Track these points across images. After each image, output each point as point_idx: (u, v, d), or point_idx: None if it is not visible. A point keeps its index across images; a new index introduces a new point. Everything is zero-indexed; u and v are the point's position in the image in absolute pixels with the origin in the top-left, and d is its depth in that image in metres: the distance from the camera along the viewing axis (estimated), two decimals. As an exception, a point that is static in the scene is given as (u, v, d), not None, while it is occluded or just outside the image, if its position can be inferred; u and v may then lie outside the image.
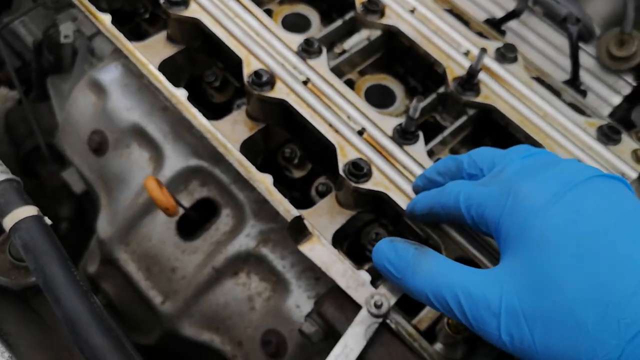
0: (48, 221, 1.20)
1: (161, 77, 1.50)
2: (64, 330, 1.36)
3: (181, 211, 1.56)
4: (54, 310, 1.25)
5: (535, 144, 1.42)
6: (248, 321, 1.56)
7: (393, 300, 1.31)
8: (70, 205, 2.50)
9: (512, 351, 0.95)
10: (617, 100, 1.76)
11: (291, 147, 1.59)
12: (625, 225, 0.93)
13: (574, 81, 1.73)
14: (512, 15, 1.79)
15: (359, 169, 1.32)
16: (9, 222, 1.15)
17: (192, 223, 1.66)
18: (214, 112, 1.69)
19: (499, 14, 1.85)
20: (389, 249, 1.13)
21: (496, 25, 1.80)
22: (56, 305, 1.09)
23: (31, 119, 2.42)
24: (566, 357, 0.89)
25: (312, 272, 1.52)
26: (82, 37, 2.38)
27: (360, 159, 1.34)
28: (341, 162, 1.35)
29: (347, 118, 1.41)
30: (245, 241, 1.58)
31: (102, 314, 1.09)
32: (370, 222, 1.50)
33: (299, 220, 1.31)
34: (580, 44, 1.77)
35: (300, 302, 1.51)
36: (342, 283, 1.28)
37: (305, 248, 1.33)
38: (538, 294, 0.92)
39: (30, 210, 1.17)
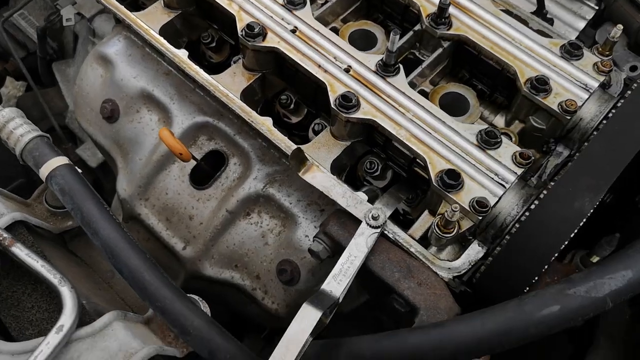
0: (77, 169, 1.36)
1: (163, 40, 1.65)
2: (100, 266, 1.53)
3: (192, 160, 1.70)
4: (91, 250, 1.42)
5: (506, 67, 1.56)
6: (263, 255, 1.72)
7: (388, 213, 1.47)
8: (87, 179, 2.65)
9: None
10: (581, 24, 1.89)
11: (287, 94, 1.73)
12: None
13: (540, 10, 1.86)
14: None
15: (348, 101, 1.47)
16: (44, 171, 1.30)
17: (204, 173, 1.81)
18: (214, 71, 1.83)
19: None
20: None
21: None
22: (95, 237, 1.24)
23: (43, 103, 2.56)
24: None
25: (317, 205, 1.67)
26: (82, 22, 2.52)
27: (349, 92, 1.49)
28: (332, 98, 1.50)
29: (333, 59, 1.55)
30: (253, 184, 1.73)
31: (134, 241, 1.25)
32: (364, 155, 1.65)
33: (299, 151, 1.46)
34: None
35: (308, 232, 1.66)
36: (342, 203, 1.44)
37: (307, 176, 1.48)
38: None
39: (62, 160, 1.33)
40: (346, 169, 1.64)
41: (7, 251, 1.20)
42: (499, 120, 1.65)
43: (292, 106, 1.73)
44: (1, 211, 1.32)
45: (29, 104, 2.72)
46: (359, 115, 1.48)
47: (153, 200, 1.85)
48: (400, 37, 1.58)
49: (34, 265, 1.18)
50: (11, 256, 1.21)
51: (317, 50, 1.56)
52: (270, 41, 1.58)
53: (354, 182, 1.65)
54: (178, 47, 1.73)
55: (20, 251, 1.20)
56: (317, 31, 1.59)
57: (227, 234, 1.75)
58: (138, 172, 1.87)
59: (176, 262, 1.84)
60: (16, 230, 1.32)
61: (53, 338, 1.12)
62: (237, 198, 1.73)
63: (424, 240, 1.44)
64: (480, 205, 1.35)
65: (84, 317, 1.19)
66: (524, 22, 1.71)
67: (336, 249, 1.46)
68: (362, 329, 1.41)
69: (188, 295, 1.29)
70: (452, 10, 1.61)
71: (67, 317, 1.12)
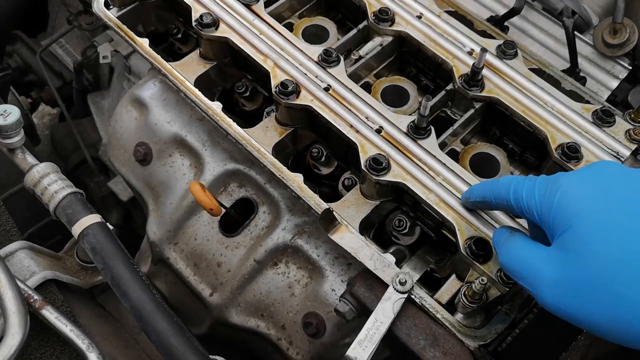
0: (109, 226, 1.38)
1: (197, 92, 1.68)
2: (128, 321, 1.55)
3: (223, 211, 1.72)
4: (119, 304, 1.44)
5: (537, 130, 1.56)
6: (289, 306, 1.73)
7: (416, 277, 1.48)
8: (118, 213, 2.69)
9: (559, 315, 1.08)
10: (614, 83, 1.88)
11: (318, 147, 1.74)
12: None
13: (573, 69, 1.85)
14: (513, 12, 1.91)
15: (379, 164, 1.48)
16: (77, 229, 1.33)
17: (233, 221, 1.83)
18: (247, 118, 1.86)
19: (501, 10, 1.97)
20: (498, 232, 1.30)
21: (499, 22, 1.93)
22: (124, 298, 1.26)
23: (77, 135, 2.60)
24: (605, 324, 1.01)
25: (344, 259, 1.68)
26: (118, 56, 2.56)
27: (379, 154, 1.50)
28: (362, 159, 1.51)
29: (365, 119, 1.57)
30: (282, 234, 1.75)
31: (163, 304, 1.27)
32: (393, 210, 1.66)
33: (328, 212, 1.47)
34: (578, 34, 1.89)
35: (335, 286, 1.67)
36: (370, 265, 1.45)
37: (336, 236, 1.49)
38: (577, 268, 1.04)
39: (95, 218, 1.35)
40: (374, 226, 1.64)
41: (38, 314, 1.22)
42: (529, 182, 1.65)
43: (323, 159, 1.73)
44: (32, 269, 1.35)
45: (63, 134, 2.76)
46: (388, 177, 1.49)
47: (182, 245, 1.88)
48: (432, 95, 1.59)
49: (63, 330, 1.20)
50: (41, 319, 1.23)
51: (349, 109, 1.58)
52: (304, 99, 1.59)
53: (382, 236, 1.66)
54: (212, 96, 1.76)
55: (50, 314, 1.22)
56: (350, 90, 1.61)
57: (255, 283, 1.77)
58: (168, 216, 1.90)
59: (203, 308, 1.86)
60: (46, 289, 1.34)
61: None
62: (266, 248, 1.75)
63: (450, 306, 1.45)
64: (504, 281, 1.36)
65: (111, 382, 1.21)
66: (557, 82, 1.71)
67: (362, 310, 1.47)
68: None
69: (212, 357, 1.30)
70: (484, 71, 1.61)
71: (94, 384, 1.14)
